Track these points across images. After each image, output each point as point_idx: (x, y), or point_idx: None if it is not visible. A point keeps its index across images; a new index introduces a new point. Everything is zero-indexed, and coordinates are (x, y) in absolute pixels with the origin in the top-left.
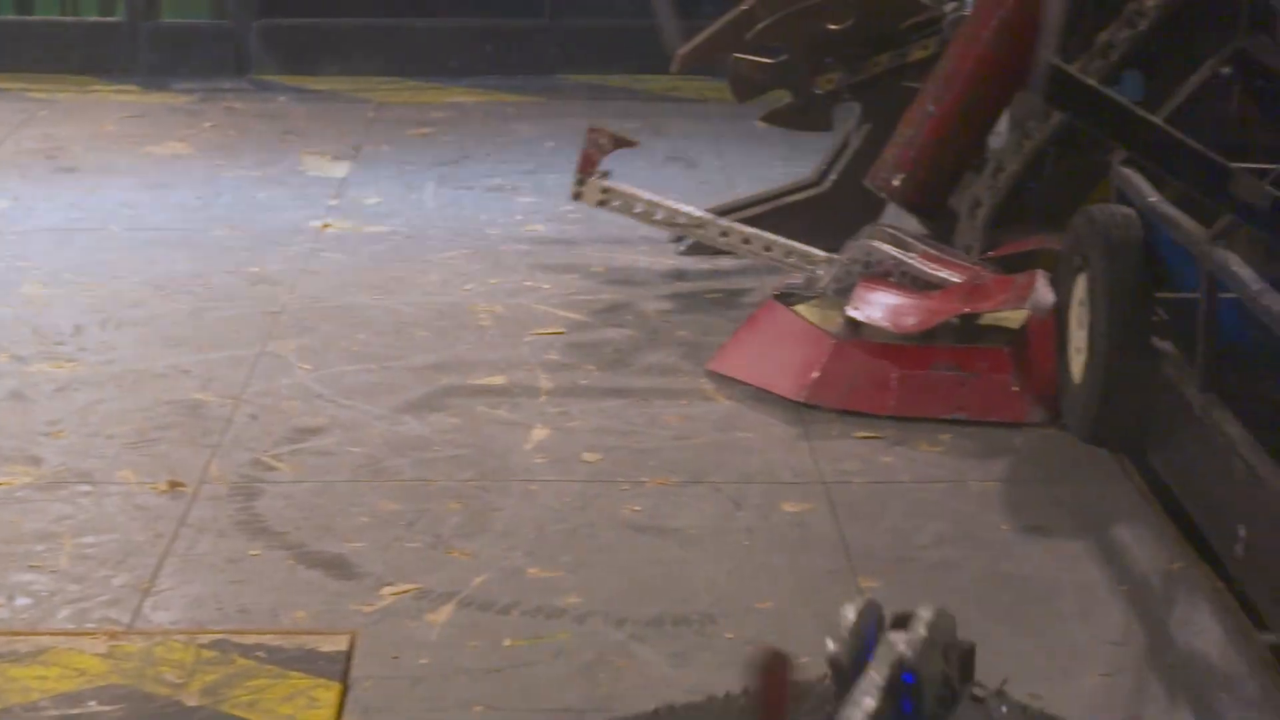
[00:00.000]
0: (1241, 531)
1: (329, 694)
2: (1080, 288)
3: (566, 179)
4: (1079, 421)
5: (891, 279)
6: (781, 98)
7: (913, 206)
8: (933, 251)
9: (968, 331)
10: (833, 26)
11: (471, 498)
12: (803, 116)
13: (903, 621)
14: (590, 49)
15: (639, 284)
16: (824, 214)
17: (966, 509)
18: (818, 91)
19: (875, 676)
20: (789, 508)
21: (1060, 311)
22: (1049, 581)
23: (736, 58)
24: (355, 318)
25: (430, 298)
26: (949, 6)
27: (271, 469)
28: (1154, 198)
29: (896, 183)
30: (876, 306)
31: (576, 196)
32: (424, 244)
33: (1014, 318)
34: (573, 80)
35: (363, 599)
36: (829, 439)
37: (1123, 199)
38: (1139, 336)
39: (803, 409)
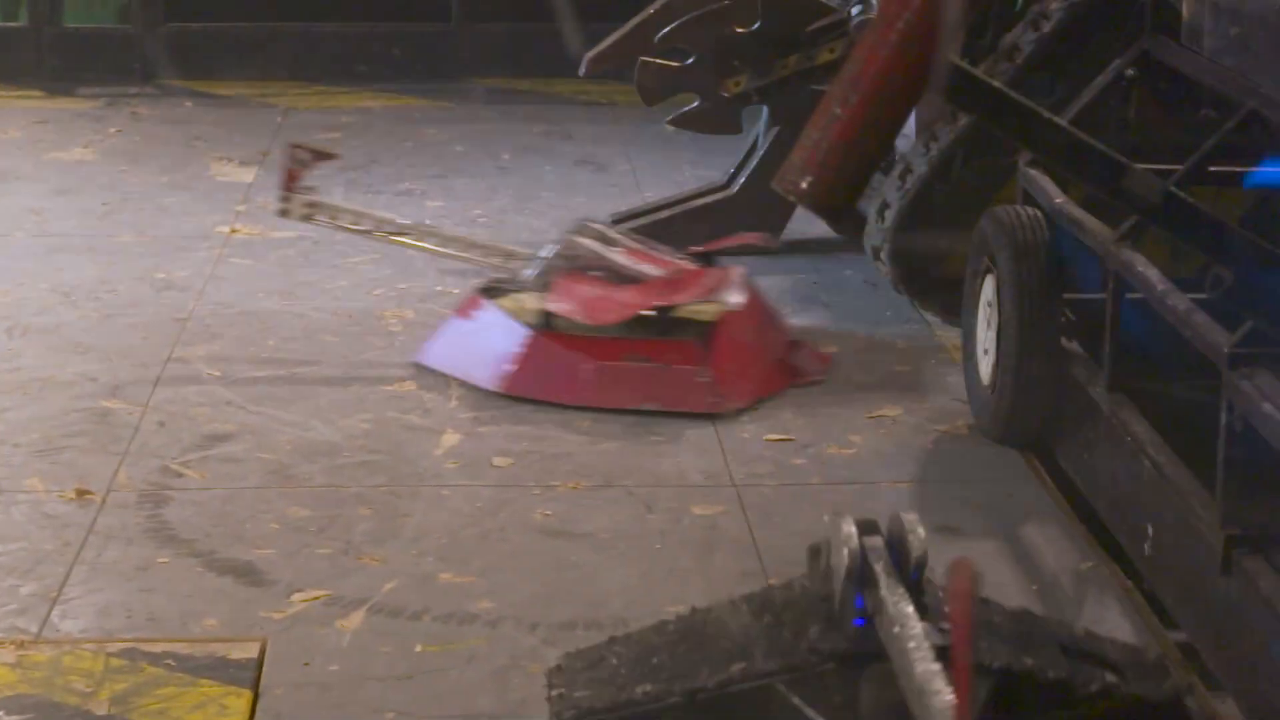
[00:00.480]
0: (1150, 530)
1: (239, 702)
2: (988, 289)
3: (475, 183)
4: (988, 422)
5: (593, 273)
6: (690, 101)
7: (820, 209)
8: (637, 247)
9: (666, 325)
10: (739, 29)
11: (382, 503)
12: (711, 120)
13: (868, 529)
14: (498, 53)
15: None
16: (733, 217)
17: (877, 510)
18: (726, 95)
19: (889, 578)
20: (700, 510)
21: (968, 313)
22: None
23: (644, 61)
24: (264, 323)
25: (339, 303)
26: (855, 9)
27: (180, 476)
28: (1060, 199)
29: (804, 185)
30: (573, 299)
31: (283, 213)
32: (332, 249)
33: (708, 311)
34: (481, 84)
35: (273, 606)
36: (740, 441)
37: (1029, 200)
38: (1047, 337)
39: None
